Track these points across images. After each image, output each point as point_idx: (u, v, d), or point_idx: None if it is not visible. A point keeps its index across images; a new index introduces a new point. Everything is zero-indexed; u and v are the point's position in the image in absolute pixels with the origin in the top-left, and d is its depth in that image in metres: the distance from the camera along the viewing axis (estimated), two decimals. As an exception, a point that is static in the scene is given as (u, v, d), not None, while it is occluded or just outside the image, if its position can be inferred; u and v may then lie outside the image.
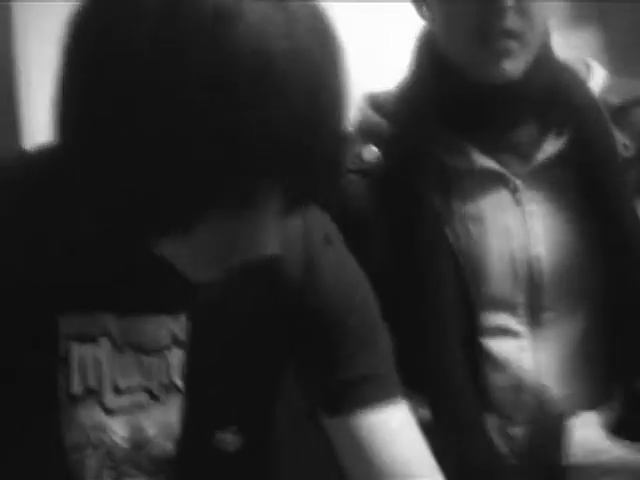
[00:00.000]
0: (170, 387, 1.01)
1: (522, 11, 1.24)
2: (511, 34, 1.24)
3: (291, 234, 0.98)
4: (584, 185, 1.29)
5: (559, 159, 1.31)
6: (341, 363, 1.02)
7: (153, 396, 1.01)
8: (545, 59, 1.32)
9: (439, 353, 1.26)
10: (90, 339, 0.96)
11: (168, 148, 0.72)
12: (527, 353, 1.28)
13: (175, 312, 0.99)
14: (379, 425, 1.01)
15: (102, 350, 0.97)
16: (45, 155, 0.94)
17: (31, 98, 2.79)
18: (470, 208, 1.30)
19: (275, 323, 1.03)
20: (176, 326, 1.00)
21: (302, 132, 0.73)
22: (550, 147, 1.31)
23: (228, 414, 1.05)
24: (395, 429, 1.02)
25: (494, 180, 1.31)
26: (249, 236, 0.81)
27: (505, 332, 1.29)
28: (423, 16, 1.35)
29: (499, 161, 1.31)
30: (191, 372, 1.01)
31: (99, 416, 0.98)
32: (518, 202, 1.31)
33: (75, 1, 0.79)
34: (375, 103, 1.39)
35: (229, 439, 1.05)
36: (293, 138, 0.73)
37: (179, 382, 1.01)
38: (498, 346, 1.28)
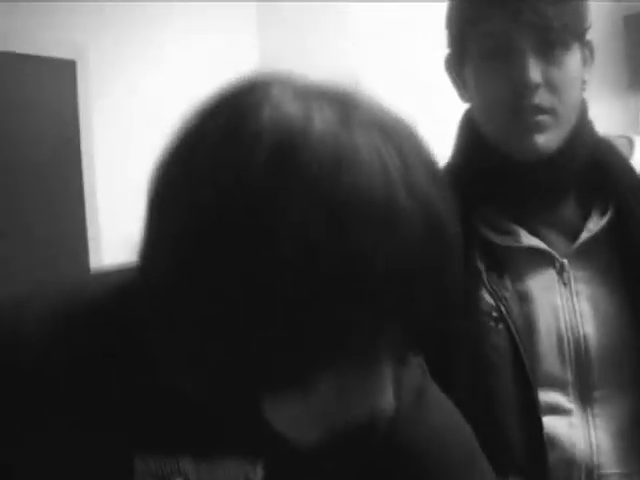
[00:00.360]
0: None
1: (552, 87, 1.25)
2: (541, 110, 1.25)
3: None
4: (628, 264, 1.29)
5: (603, 237, 1.29)
6: None
7: None
8: (583, 134, 1.33)
9: (500, 432, 1.25)
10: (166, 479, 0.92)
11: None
12: (578, 430, 1.26)
13: (252, 459, 0.92)
14: None
15: None
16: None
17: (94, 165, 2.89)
18: (519, 286, 1.30)
19: None
20: (251, 472, 0.93)
21: (426, 273, 0.68)
22: (594, 225, 1.30)
23: None
24: None
25: (541, 259, 1.31)
26: (365, 392, 0.73)
27: (556, 410, 1.27)
28: (463, 97, 1.38)
29: (545, 240, 1.31)
30: None
31: None
32: (565, 281, 1.30)
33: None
34: None
35: None
36: (418, 277, 0.68)
37: None
38: (549, 423, 1.26)
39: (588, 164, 1.31)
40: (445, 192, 0.71)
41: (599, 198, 1.31)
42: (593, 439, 1.25)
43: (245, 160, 0.66)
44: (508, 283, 1.30)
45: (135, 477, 0.90)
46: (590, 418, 1.26)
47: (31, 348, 0.84)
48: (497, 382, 1.26)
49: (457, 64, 1.35)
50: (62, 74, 2.98)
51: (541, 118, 1.24)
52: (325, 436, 0.77)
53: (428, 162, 0.71)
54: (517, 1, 1.22)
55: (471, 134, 1.38)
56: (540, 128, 1.25)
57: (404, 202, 0.66)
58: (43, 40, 2.96)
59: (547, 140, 1.26)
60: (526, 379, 1.25)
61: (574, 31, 1.24)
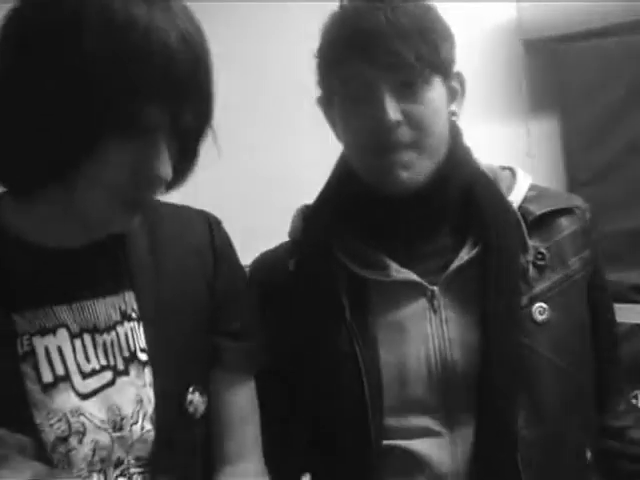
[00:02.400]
0: (132, 359, 1.12)
1: (413, 122, 1.29)
2: (403, 145, 1.29)
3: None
4: (486, 297, 1.33)
5: (472, 267, 1.34)
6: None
7: (118, 372, 1.10)
8: (456, 166, 1.37)
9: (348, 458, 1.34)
10: (49, 332, 1.06)
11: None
12: (445, 451, 1.31)
13: (119, 291, 1.13)
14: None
15: (62, 340, 1.07)
16: None
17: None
18: (391, 317, 1.34)
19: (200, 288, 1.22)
20: (123, 303, 1.13)
21: (180, 70, 0.98)
22: (465, 255, 1.34)
23: (191, 376, 1.16)
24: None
25: (412, 289, 1.34)
26: (147, 162, 1.01)
27: (426, 432, 1.32)
28: (335, 135, 1.42)
29: (416, 268, 1.35)
30: (149, 342, 1.13)
31: (74, 401, 1.05)
32: (435, 308, 1.34)
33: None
34: (303, 213, 1.47)
35: (197, 400, 1.15)
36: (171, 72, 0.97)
37: (140, 353, 1.13)
38: (422, 445, 1.31)
39: (463, 196, 1.36)
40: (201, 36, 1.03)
41: (471, 230, 1.35)
42: (459, 458, 1.30)
43: None
44: (379, 313, 1.34)
45: (19, 334, 1.04)
46: (457, 440, 1.31)
47: None
48: (339, 410, 1.33)
49: (326, 104, 1.39)
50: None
51: (404, 154, 1.29)
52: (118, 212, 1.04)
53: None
54: (371, 44, 1.25)
55: (343, 169, 1.42)
56: (404, 164, 1.29)
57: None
58: None
59: (412, 175, 1.30)
60: (374, 405, 1.30)
61: (432, 66, 1.28)
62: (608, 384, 1.46)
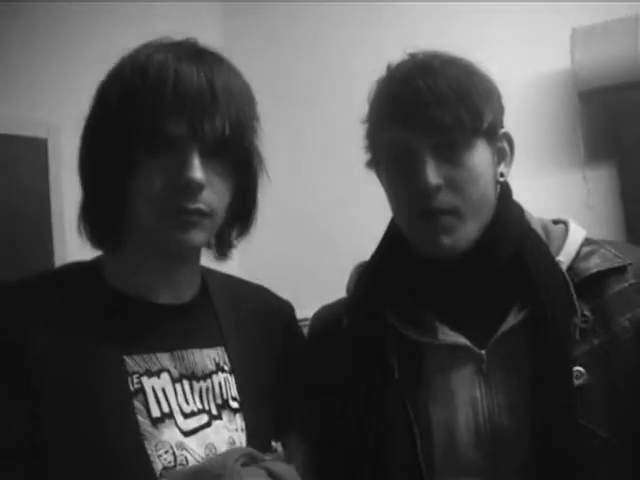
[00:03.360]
0: (224, 406, 1.26)
1: (454, 187, 1.29)
2: (443, 211, 1.29)
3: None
4: (536, 361, 1.30)
5: (520, 331, 1.32)
6: None
7: (213, 416, 1.24)
8: (504, 228, 1.36)
9: None
10: (154, 374, 1.20)
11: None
12: None
13: (212, 345, 1.29)
14: None
15: (165, 382, 1.21)
16: None
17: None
18: (440, 380, 1.34)
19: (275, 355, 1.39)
20: (216, 356, 1.29)
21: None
22: (513, 318, 1.32)
23: (273, 427, 1.29)
24: None
25: (461, 353, 1.34)
26: (178, 167, 1.17)
27: None
28: (383, 187, 1.43)
29: (465, 331, 1.34)
30: (240, 392, 1.28)
31: (179, 436, 1.18)
32: (484, 372, 1.32)
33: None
34: (359, 270, 1.49)
35: (280, 450, 1.26)
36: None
37: (232, 401, 1.27)
38: None
39: (511, 257, 1.34)
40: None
41: (520, 291, 1.33)
42: None
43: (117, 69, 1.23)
44: (429, 376, 1.34)
45: (130, 374, 1.18)
46: None
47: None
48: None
49: (374, 167, 1.42)
50: (34, 152, 3.05)
51: (445, 219, 1.29)
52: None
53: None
54: (410, 110, 1.28)
55: (394, 230, 1.43)
56: (445, 229, 1.29)
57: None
58: (14, 119, 3.00)
59: (454, 240, 1.30)
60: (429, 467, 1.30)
61: (473, 130, 1.28)
62: None
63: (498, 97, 1.36)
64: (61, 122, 2.96)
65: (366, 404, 1.35)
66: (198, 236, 1.20)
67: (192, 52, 1.21)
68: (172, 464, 1.15)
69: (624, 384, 1.29)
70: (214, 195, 1.20)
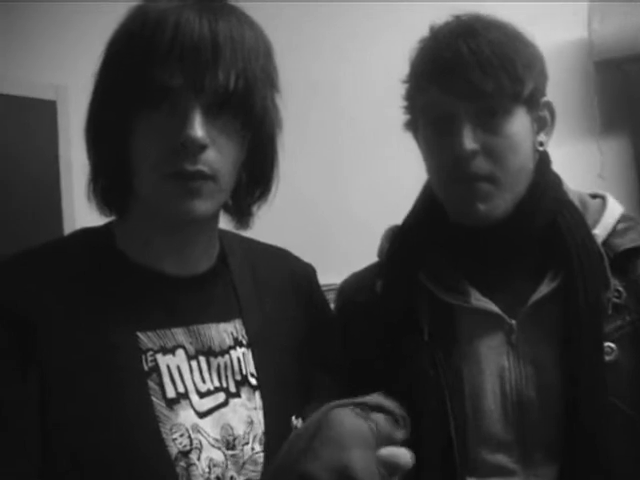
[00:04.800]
0: (243, 382, 1.18)
1: (491, 154, 1.27)
2: (480, 177, 1.27)
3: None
4: (567, 331, 1.28)
5: (552, 301, 1.30)
6: None
7: (231, 394, 1.15)
8: (541, 197, 1.33)
9: None
10: (169, 351, 1.12)
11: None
12: None
13: (230, 318, 1.21)
14: None
15: (180, 360, 1.13)
16: None
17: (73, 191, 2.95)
18: (468, 347, 1.32)
19: (297, 324, 1.30)
20: (234, 330, 1.20)
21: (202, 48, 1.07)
22: (545, 288, 1.30)
23: (294, 402, 1.20)
24: None
25: (491, 320, 1.31)
26: (176, 125, 1.06)
27: (500, 470, 1.28)
28: (419, 148, 1.40)
29: (496, 300, 1.32)
30: (258, 368, 1.19)
31: (194, 418, 1.10)
32: (513, 342, 1.30)
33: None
34: (391, 234, 1.46)
35: (296, 424, 1.17)
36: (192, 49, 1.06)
37: (250, 378, 1.19)
38: None
39: (547, 228, 1.32)
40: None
41: (553, 263, 1.31)
42: None
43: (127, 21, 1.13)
44: (458, 342, 1.32)
45: (144, 351, 1.10)
46: (530, 476, 1.26)
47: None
48: (427, 443, 1.27)
49: (412, 129, 1.40)
50: (43, 114, 3.03)
51: (481, 186, 1.26)
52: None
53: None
54: (451, 73, 1.25)
55: (428, 193, 1.41)
56: (481, 196, 1.27)
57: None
58: (24, 81, 2.99)
59: (490, 207, 1.28)
60: (459, 438, 1.27)
61: (514, 97, 1.26)
62: None
63: (541, 64, 1.33)
64: (69, 83, 2.95)
65: (397, 369, 1.33)
66: (203, 205, 1.09)
67: (199, 1, 1.11)
68: (188, 448, 1.08)
69: None
70: (218, 155, 1.08)
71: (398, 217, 1.47)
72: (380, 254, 1.47)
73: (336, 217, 3.54)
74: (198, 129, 1.05)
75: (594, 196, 1.41)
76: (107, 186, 1.14)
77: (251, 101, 1.09)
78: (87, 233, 1.20)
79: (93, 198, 1.15)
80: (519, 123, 1.28)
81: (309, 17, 3.66)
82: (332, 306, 1.49)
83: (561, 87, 3.29)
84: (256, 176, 1.20)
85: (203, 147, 1.06)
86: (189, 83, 1.05)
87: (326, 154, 3.62)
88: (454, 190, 1.31)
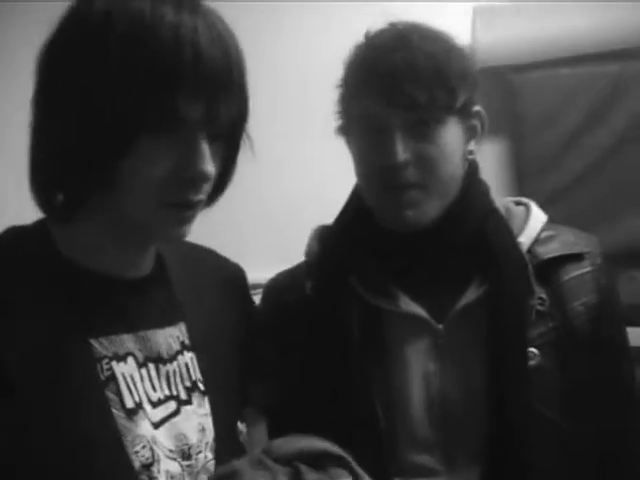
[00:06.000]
0: (193, 388, 1.16)
1: (422, 163, 1.31)
2: (410, 185, 1.31)
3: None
4: (491, 338, 1.34)
5: (478, 307, 1.35)
6: None
7: (182, 402, 1.13)
8: (469, 205, 1.38)
9: None
10: (121, 359, 1.08)
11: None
12: None
13: (174, 322, 1.18)
14: None
15: (132, 368, 1.09)
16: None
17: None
18: (396, 351, 1.36)
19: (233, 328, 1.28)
20: (180, 333, 1.18)
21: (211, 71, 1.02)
22: (471, 294, 1.36)
23: (237, 407, 1.22)
24: None
25: (418, 324, 1.36)
26: (189, 157, 1.03)
27: (425, 471, 1.33)
28: (351, 153, 1.43)
29: (425, 304, 1.36)
30: (203, 372, 1.18)
31: (150, 430, 1.07)
32: (439, 347, 1.35)
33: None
34: (320, 235, 1.48)
35: (244, 431, 1.20)
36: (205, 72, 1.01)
37: (199, 383, 1.17)
38: None
39: (474, 234, 1.38)
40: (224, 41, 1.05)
41: (481, 268, 1.36)
42: None
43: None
44: (386, 346, 1.36)
45: (99, 359, 1.05)
46: (454, 478, 1.32)
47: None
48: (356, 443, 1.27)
49: (345, 134, 1.42)
50: None
51: (410, 193, 1.31)
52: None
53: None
54: (386, 85, 1.28)
55: (358, 198, 1.44)
56: (410, 203, 1.31)
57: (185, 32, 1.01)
58: None
59: (418, 214, 1.32)
60: (387, 441, 1.32)
61: (446, 108, 1.31)
62: (620, 461, 1.41)
63: (474, 75, 1.38)
64: None
65: (327, 373, 1.35)
66: (189, 229, 1.11)
67: (193, 6, 1.06)
68: (150, 460, 1.05)
69: (574, 368, 1.34)
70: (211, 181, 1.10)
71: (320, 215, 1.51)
72: (308, 254, 1.47)
73: (254, 212, 3.43)
74: (209, 164, 1.05)
75: (518, 203, 1.48)
76: (68, 187, 1.07)
77: (244, 126, 1.12)
78: (20, 233, 1.13)
79: (37, 194, 1.08)
80: (451, 133, 1.33)
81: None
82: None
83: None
84: (219, 185, 1.17)
85: (210, 180, 1.07)
86: (206, 115, 1.03)
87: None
88: (383, 197, 1.34)
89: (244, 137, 1.15)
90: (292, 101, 3.34)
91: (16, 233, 1.12)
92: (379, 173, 1.33)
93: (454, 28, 3.09)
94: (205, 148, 1.04)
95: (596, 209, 3.00)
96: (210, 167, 1.05)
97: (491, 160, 3.20)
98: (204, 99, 1.02)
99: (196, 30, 1.01)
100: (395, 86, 1.29)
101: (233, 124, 1.08)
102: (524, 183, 3.15)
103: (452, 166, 1.34)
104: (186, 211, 1.08)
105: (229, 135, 1.10)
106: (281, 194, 3.41)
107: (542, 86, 3.09)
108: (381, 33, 1.38)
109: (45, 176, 1.07)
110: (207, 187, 1.08)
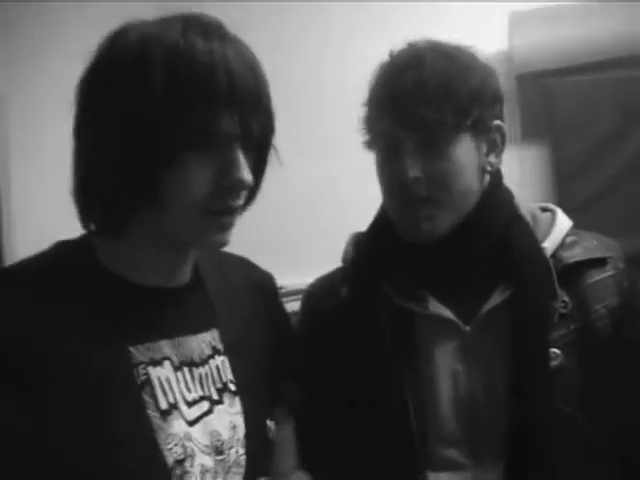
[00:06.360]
0: (224, 389, 1.24)
1: (434, 179, 1.36)
2: (422, 200, 1.37)
3: None
4: (515, 341, 1.38)
5: (503, 310, 1.40)
6: None
7: (214, 402, 1.22)
8: (490, 214, 1.43)
9: None
10: (157, 363, 1.17)
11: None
12: None
13: (207, 328, 1.26)
14: None
15: (168, 371, 1.17)
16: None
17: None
18: (426, 352, 1.41)
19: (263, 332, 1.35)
20: (212, 339, 1.26)
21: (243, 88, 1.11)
22: (497, 298, 1.40)
23: (267, 406, 1.30)
24: None
25: (446, 326, 1.41)
26: (227, 167, 1.12)
27: (453, 464, 1.38)
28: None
29: (453, 307, 1.41)
30: (235, 374, 1.26)
31: (185, 427, 1.15)
32: (465, 349, 1.40)
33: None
34: (355, 241, 1.54)
35: (273, 428, 1.28)
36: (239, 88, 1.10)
37: (230, 384, 1.25)
38: (442, 478, 1.38)
39: (498, 241, 1.42)
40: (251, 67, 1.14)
41: (506, 273, 1.41)
42: None
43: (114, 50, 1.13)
44: (416, 347, 1.41)
45: (136, 365, 1.13)
46: (481, 474, 1.37)
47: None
48: (384, 444, 1.38)
49: (371, 148, 1.48)
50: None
51: (423, 208, 1.37)
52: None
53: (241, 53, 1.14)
54: (397, 105, 1.35)
55: (382, 213, 1.51)
56: (424, 217, 1.37)
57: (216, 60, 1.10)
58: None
59: (432, 227, 1.38)
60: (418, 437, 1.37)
61: (456, 127, 1.35)
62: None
63: (492, 91, 1.43)
64: (8, 93, 2.70)
65: (360, 374, 1.41)
66: (230, 236, 1.19)
67: (221, 35, 1.15)
68: (182, 456, 1.13)
69: (595, 369, 1.37)
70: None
71: (362, 223, 1.56)
72: (344, 260, 1.53)
73: (301, 220, 3.52)
74: (246, 172, 1.14)
75: (544, 209, 1.52)
76: (116, 207, 1.15)
77: (271, 137, 1.20)
78: (67, 247, 1.20)
79: (84, 215, 1.16)
80: (462, 149, 1.37)
81: (290, 19, 3.64)
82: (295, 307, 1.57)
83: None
84: (251, 194, 1.24)
85: (249, 187, 1.16)
86: (241, 129, 1.12)
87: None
88: (400, 212, 1.41)
89: (271, 149, 1.24)
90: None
91: (63, 247, 1.21)
92: (395, 189, 1.40)
93: (491, 34, 3.21)
94: (242, 159, 1.13)
95: (631, 212, 3.02)
96: (247, 175, 1.14)
97: (531, 164, 3.26)
98: (238, 117, 1.11)
99: (226, 56, 1.10)
100: (405, 106, 1.34)
101: (263, 137, 1.18)
102: (561, 187, 3.17)
103: (465, 180, 1.39)
104: (227, 217, 1.16)
105: (259, 147, 1.18)
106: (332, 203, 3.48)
107: (579, 90, 3.11)
108: (400, 53, 1.43)
109: (92, 194, 1.15)
110: (244, 194, 1.17)
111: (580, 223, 3.03)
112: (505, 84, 3.14)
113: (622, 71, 3.06)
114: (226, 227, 1.17)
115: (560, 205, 3.08)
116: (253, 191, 1.23)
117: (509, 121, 3.13)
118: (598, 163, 3.09)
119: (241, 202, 1.17)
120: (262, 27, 3.40)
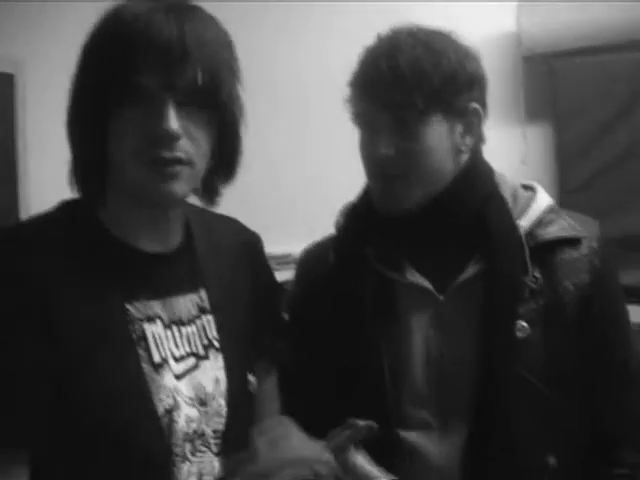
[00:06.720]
0: (210, 346, 1.33)
1: (405, 157, 1.46)
2: (393, 176, 1.48)
3: None
4: (486, 311, 1.46)
5: (476, 280, 1.48)
6: None
7: (200, 357, 1.31)
8: (466, 190, 1.51)
9: None
10: (151, 320, 1.26)
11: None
12: (436, 442, 1.47)
13: (195, 289, 1.34)
14: None
15: (160, 329, 1.27)
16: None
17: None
18: (403, 318, 1.50)
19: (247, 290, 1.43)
20: (199, 299, 1.35)
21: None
22: (471, 271, 1.48)
23: (248, 361, 1.39)
24: None
25: (423, 295, 1.50)
26: (152, 118, 1.18)
27: (421, 424, 1.48)
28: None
29: (429, 276, 1.50)
30: (219, 332, 1.35)
31: (173, 381, 1.25)
32: (439, 316, 1.49)
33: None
34: (346, 211, 1.64)
35: (253, 382, 1.38)
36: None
37: (214, 341, 1.34)
38: (412, 436, 1.47)
39: (473, 216, 1.51)
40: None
41: (480, 246, 1.49)
42: (445, 450, 1.46)
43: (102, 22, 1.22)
44: (396, 313, 1.50)
45: (132, 321, 1.23)
46: (447, 434, 1.46)
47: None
48: (363, 398, 1.47)
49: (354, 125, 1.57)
50: (1, 88, 2.78)
51: (393, 183, 1.48)
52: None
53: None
54: (373, 87, 1.46)
55: (366, 185, 1.60)
56: (393, 192, 1.48)
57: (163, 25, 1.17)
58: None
59: (400, 202, 1.49)
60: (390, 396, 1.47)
61: (426, 109, 1.43)
62: (612, 431, 1.51)
63: (469, 75, 1.48)
64: (27, 57, 2.79)
65: (342, 336, 1.50)
66: (179, 187, 1.22)
67: (167, 4, 1.21)
68: (172, 406, 1.23)
69: (560, 342, 1.45)
70: (191, 143, 1.21)
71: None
72: (336, 227, 1.63)
73: (301, 188, 3.67)
74: (172, 122, 1.17)
75: (527, 187, 1.59)
76: (86, 177, 1.25)
77: (217, 94, 1.22)
78: (72, 205, 1.29)
79: (75, 187, 1.26)
80: (434, 130, 1.45)
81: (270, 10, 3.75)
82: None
83: (490, 77, 3.48)
84: (224, 160, 1.31)
85: (178, 137, 1.19)
86: (162, 82, 1.17)
87: (292, 128, 3.72)
88: (374, 186, 1.52)
89: (239, 114, 1.29)
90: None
91: (69, 204, 1.29)
92: (367, 164, 1.51)
93: (500, 17, 3.28)
94: (168, 110, 1.17)
95: (632, 192, 3.10)
96: (174, 125, 1.18)
97: (535, 143, 3.34)
98: (158, 68, 1.17)
99: (152, 13, 1.18)
100: (379, 89, 1.44)
101: (199, 90, 1.20)
102: (563, 166, 3.25)
103: (435, 160, 1.46)
104: (167, 168, 1.19)
105: (201, 102, 1.21)
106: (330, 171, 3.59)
107: (583, 72, 3.17)
108: (382, 39, 1.51)
109: (71, 167, 1.26)
110: (184, 146, 1.20)
111: (581, 202, 3.15)
112: (512, 65, 3.29)
113: (628, 54, 3.13)
114: (168, 177, 1.20)
115: (562, 183, 3.24)
116: (228, 156, 1.31)
117: (514, 100, 3.28)
118: (599, 144, 3.17)
119: (180, 154, 1.20)
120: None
